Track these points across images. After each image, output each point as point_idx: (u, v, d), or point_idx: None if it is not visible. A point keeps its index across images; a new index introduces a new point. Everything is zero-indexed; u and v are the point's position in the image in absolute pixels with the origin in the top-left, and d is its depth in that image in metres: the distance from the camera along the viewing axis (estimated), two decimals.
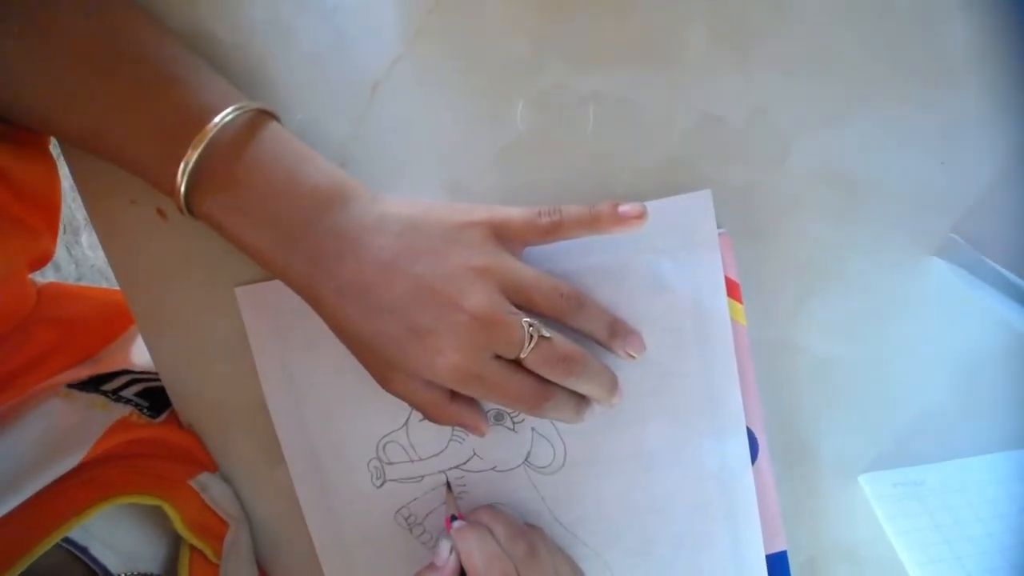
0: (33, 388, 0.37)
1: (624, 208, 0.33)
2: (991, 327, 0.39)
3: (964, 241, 0.37)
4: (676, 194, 0.36)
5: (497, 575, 0.33)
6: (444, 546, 0.35)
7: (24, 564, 0.29)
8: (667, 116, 0.36)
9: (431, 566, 0.35)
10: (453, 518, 0.37)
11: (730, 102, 0.36)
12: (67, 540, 0.32)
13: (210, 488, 0.39)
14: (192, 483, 0.38)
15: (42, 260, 0.39)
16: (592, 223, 0.33)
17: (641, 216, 0.33)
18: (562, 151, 0.36)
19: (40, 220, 0.37)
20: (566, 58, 0.35)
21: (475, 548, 0.34)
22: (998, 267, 0.35)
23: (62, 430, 0.34)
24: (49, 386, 0.38)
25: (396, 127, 0.36)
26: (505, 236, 0.33)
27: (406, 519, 0.40)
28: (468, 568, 0.34)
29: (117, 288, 0.39)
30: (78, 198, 0.37)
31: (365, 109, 0.36)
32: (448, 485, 0.39)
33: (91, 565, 0.33)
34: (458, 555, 0.34)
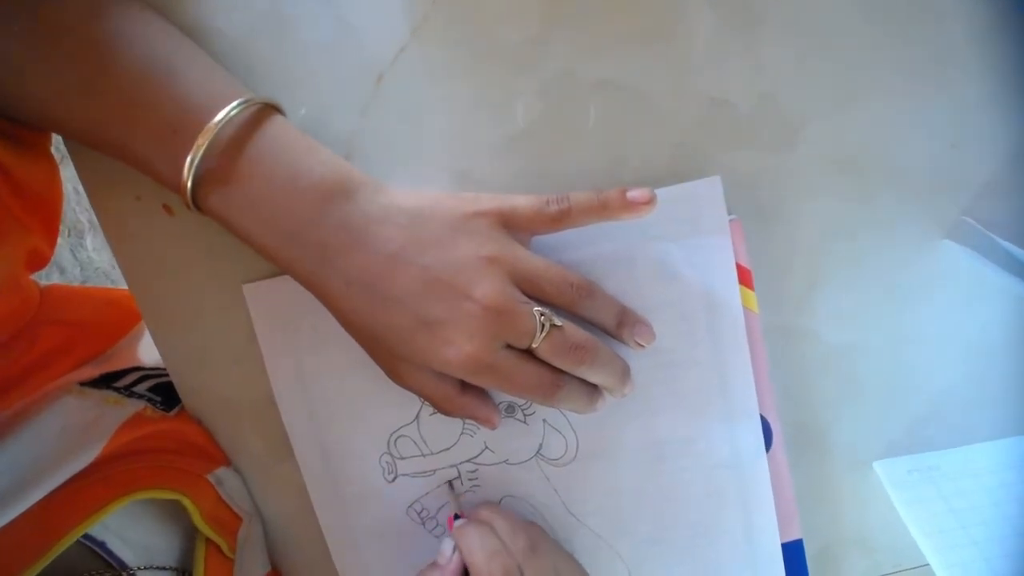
0: (44, 388, 0.37)
1: (633, 193, 0.33)
2: (1004, 309, 0.39)
3: (976, 223, 0.37)
4: (685, 181, 0.36)
5: (499, 570, 0.32)
6: (447, 544, 0.35)
7: (45, 562, 0.29)
8: (675, 102, 0.36)
9: (434, 564, 0.34)
10: (456, 516, 0.37)
11: (739, 87, 0.35)
12: (84, 535, 0.32)
13: (225, 483, 0.39)
14: (209, 477, 0.38)
15: (41, 262, 0.39)
16: (601, 210, 0.33)
17: (650, 201, 0.33)
18: (569, 139, 0.36)
19: (39, 221, 0.36)
20: (573, 45, 0.35)
21: (476, 544, 0.34)
22: (1011, 247, 0.35)
23: (78, 426, 0.34)
24: (59, 385, 0.37)
25: (402, 118, 0.36)
26: (513, 225, 0.33)
27: (419, 513, 0.40)
28: (470, 564, 0.33)
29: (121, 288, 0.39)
30: (82, 201, 0.37)
31: (370, 100, 0.35)
32: (450, 484, 0.39)
33: (107, 559, 0.33)
34: (461, 553, 0.34)
